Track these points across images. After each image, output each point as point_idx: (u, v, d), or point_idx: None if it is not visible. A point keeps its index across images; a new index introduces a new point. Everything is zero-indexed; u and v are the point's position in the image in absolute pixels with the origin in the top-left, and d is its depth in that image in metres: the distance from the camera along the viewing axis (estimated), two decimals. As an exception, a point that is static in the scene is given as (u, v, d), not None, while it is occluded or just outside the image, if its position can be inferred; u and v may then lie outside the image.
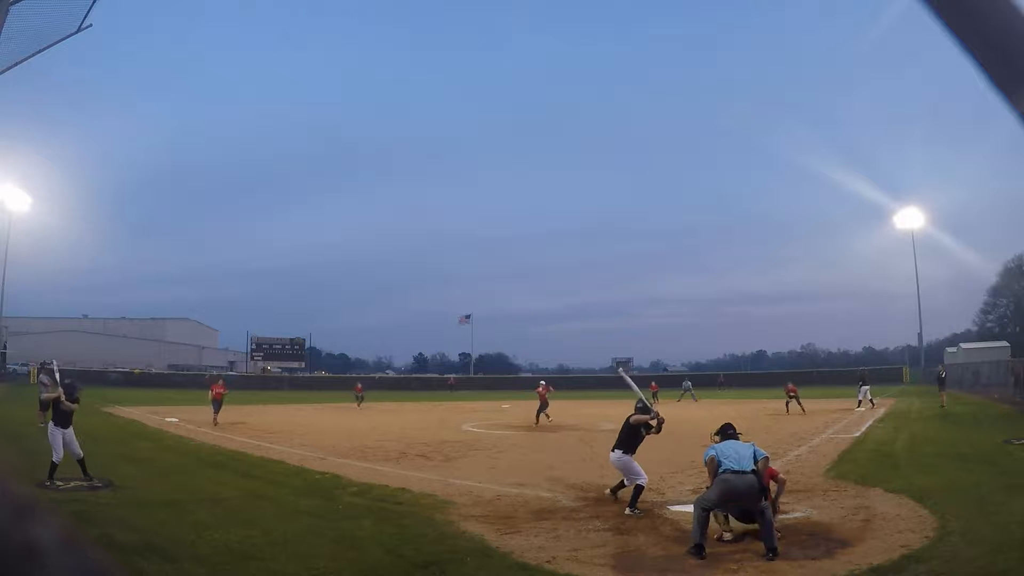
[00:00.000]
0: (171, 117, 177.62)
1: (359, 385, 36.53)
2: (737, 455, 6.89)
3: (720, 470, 6.81)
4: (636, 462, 8.65)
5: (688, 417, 23.43)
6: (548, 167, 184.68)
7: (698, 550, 6.30)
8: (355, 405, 33.49)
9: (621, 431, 8.98)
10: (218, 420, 20.86)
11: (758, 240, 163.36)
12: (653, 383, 35.61)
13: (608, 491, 9.07)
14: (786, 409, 24.73)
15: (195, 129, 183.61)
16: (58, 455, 9.82)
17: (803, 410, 24.27)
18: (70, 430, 10.12)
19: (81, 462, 10.01)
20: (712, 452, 7.09)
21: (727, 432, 7.55)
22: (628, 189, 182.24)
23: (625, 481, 8.72)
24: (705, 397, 38.52)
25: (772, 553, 6.17)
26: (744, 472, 6.70)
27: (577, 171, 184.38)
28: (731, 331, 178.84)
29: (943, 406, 24.14)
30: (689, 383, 38.18)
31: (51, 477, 9.66)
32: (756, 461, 6.87)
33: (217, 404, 21.48)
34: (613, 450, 8.89)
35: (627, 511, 8.12)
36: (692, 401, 34.84)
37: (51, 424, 10.13)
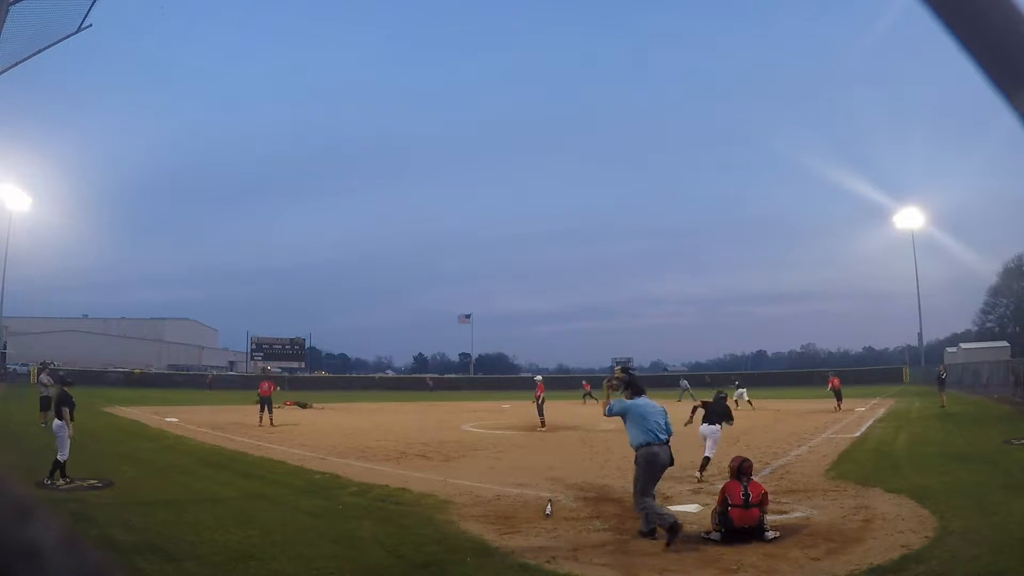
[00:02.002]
0: (171, 117, 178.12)
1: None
2: (657, 425, 6.51)
3: (642, 442, 6.47)
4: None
5: (686, 416, 23.36)
6: (548, 167, 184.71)
7: (652, 533, 6.48)
8: (279, 406, 23.53)
9: (711, 407, 10.96)
10: (263, 421, 19.81)
11: (758, 240, 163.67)
12: (585, 382, 36.46)
13: (700, 473, 10.00)
14: (837, 407, 24.55)
15: (195, 129, 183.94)
16: (64, 454, 9.77)
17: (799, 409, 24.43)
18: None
19: (64, 463, 9.90)
20: (637, 411, 6.58)
21: (637, 385, 6.88)
22: (628, 189, 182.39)
23: (707, 451, 10.26)
24: (704, 397, 38.46)
25: (653, 535, 6.49)
26: (664, 443, 6.42)
27: (577, 171, 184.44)
28: (731, 331, 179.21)
29: (943, 406, 24.13)
30: (687, 383, 38.19)
31: (52, 476, 9.65)
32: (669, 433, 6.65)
33: (265, 401, 20.05)
34: (716, 423, 10.51)
35: (699, 474, 9.92)
36: (691, 401, 34.84)
37: (61, 421, 9.94)
